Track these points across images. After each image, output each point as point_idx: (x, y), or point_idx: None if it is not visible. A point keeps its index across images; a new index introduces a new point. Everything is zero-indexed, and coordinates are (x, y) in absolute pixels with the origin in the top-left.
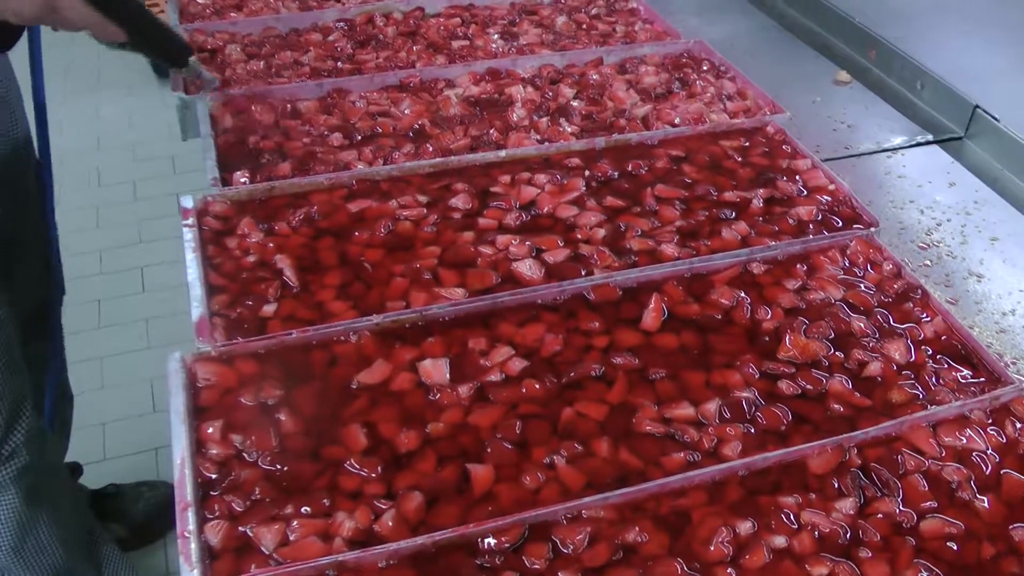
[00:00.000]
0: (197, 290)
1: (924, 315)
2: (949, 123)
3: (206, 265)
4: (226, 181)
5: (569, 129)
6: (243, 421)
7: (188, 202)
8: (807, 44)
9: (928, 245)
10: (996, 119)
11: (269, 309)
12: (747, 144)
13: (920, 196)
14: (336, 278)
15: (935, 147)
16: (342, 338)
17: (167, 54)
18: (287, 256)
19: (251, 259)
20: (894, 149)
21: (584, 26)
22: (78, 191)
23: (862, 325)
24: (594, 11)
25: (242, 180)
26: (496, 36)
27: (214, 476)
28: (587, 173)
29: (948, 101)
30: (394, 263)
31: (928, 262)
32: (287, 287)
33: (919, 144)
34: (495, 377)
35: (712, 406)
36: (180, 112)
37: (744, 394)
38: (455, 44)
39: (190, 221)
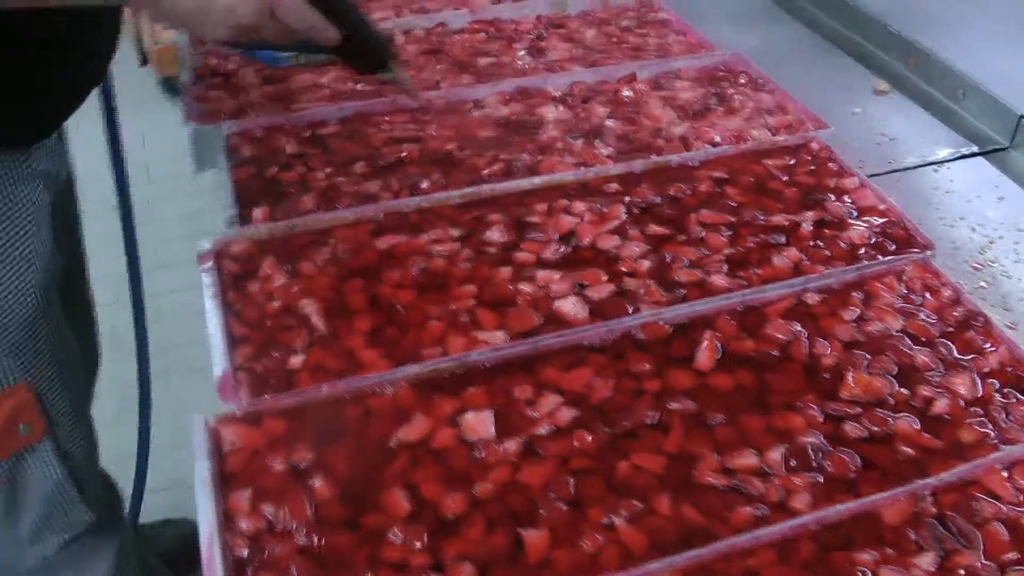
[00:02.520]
0: (219, 342)
1: (987, 344)
2: (994, 133)
3: (227, 313)
4: (245, 217)
5: (605, 152)
6: (274, 488)
7: (205, 245)
8: (844, 52)
9: (982, 265)
10: None
11: (297, 361)
12: (792, 162)
13: (970, 212)
14: (366, 323)
15: (980, 159)
16: (377, 391)
17: (373, 57)
18: (313, 300)
19: (275, 304)
20: (940, 162)
21: (615, 39)
22: (93, 214)
23: (925, 358)
24: (624, 23)
25: (262, 218)
26: (523, 52)
27: (245, 553)
28: (627, 199)
29: (992, 110)
30: (428, 304)
31: (983, 283)
32: (315, 334)
33: (964, 156)
34: (544, 429)
35: (776, 454)
36: (193, 143)
37: (808, 439)
38: (481, 61)
39: (208, 265)
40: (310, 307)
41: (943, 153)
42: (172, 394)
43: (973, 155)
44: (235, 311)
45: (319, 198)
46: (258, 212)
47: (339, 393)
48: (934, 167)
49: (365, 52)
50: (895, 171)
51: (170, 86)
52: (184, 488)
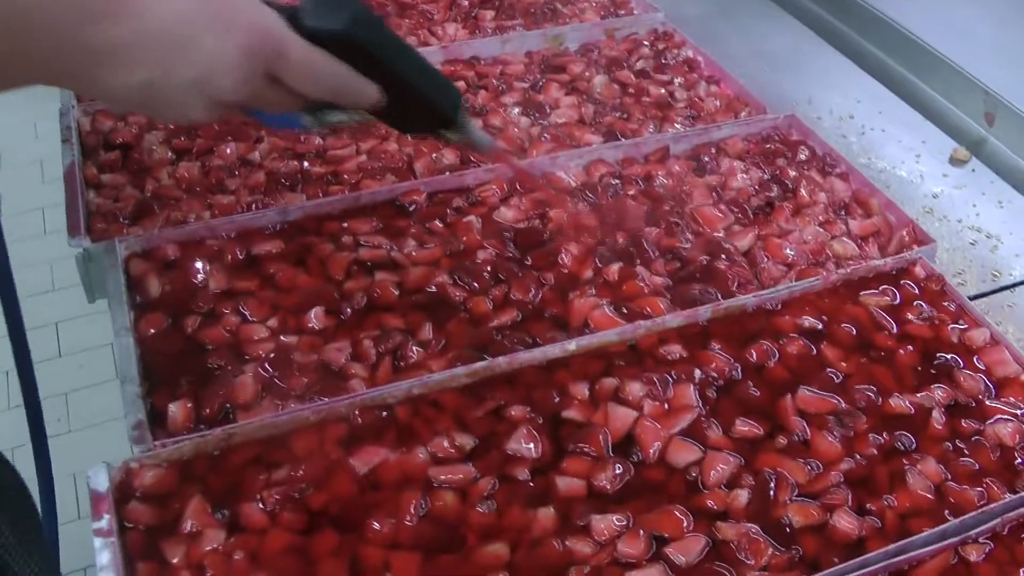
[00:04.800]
0: None
1: None
2: None
3: None
4: (157, 411)
5: (650, 284)
6: None
7: (101, 481)
8: (901, 98)
9: None
10: None
11: None
12: (897, 300)
13: None
14: None
15: None
16: None
17: (434, 115)
18: None
19: None
20: None
21: (631, 90)
22: None
23: None
24: (639, 64)
25: (180, 418)
26: (517, 111)
27: None
28: (697, 373)
29: None
30: None
31: None
32: None
33: None
34: None
35: None
36: (82, 267)
37: None
38: None
39: (104, 523)
40: None
41: None
42: None
43: None
44: None
45: (263, 377)
46: (176, 409)
47: None
48: None
49: (423, 110)
50: (1004, 288)
51: None
52: None
